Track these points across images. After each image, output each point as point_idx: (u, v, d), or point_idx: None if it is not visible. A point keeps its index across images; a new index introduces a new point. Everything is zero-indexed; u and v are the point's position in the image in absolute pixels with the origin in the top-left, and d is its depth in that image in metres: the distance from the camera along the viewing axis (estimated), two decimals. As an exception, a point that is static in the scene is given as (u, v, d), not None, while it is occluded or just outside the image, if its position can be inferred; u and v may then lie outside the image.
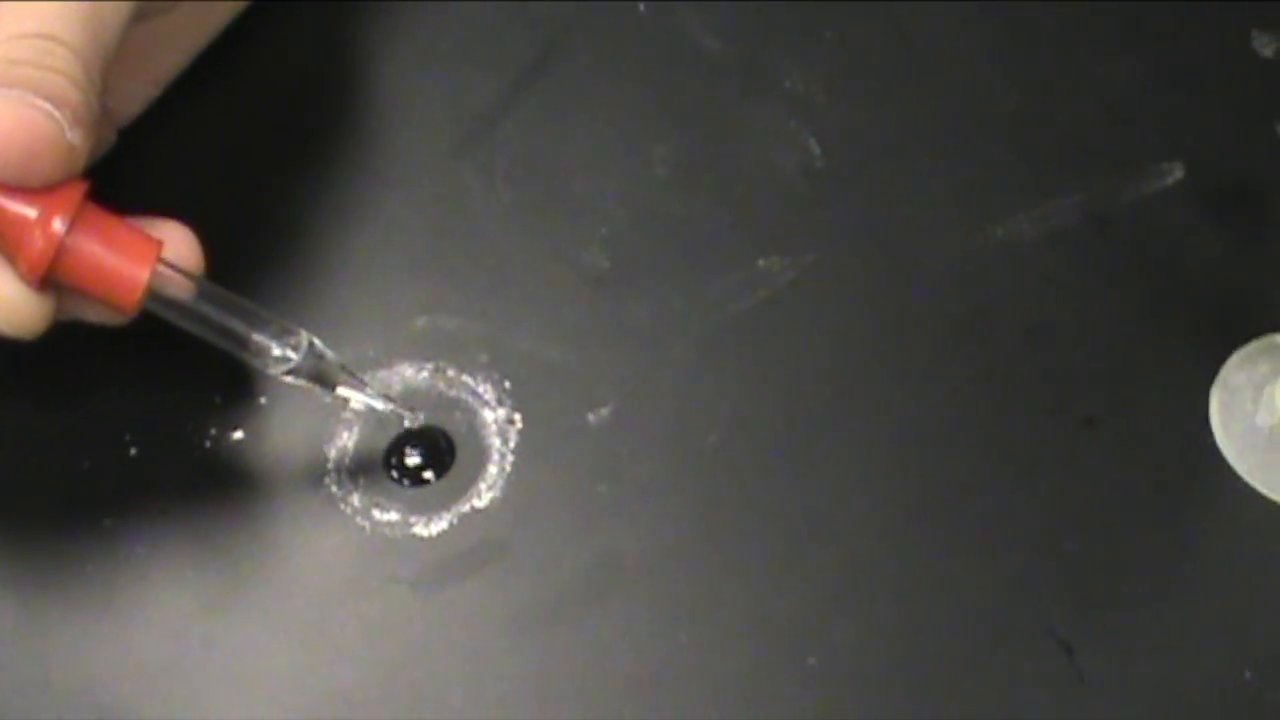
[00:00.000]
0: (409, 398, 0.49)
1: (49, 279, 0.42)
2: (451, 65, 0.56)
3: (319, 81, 0.55)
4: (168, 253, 0.44)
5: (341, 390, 0.46)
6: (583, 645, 0.46)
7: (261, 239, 0.49)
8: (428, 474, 0.48)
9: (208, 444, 0.48)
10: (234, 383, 0.49)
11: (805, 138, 0.54)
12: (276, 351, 0.44)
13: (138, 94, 0.51)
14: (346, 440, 0.49)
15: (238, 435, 0.49)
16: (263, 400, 0.49)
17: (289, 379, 0.45)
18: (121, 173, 0.49)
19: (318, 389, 0.45)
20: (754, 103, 0.55)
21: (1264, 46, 0.57)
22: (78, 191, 0.42)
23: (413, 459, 0.48)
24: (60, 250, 0.42)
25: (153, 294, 0.43)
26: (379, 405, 0.47)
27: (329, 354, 0.45)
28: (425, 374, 0.49)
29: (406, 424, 0.48)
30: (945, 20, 0.57)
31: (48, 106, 0.40)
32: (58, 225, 0.41)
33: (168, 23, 0.49)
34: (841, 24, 0.57)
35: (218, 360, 0.47)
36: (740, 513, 0.48)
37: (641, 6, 0.57)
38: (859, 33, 0.57)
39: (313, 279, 0.50)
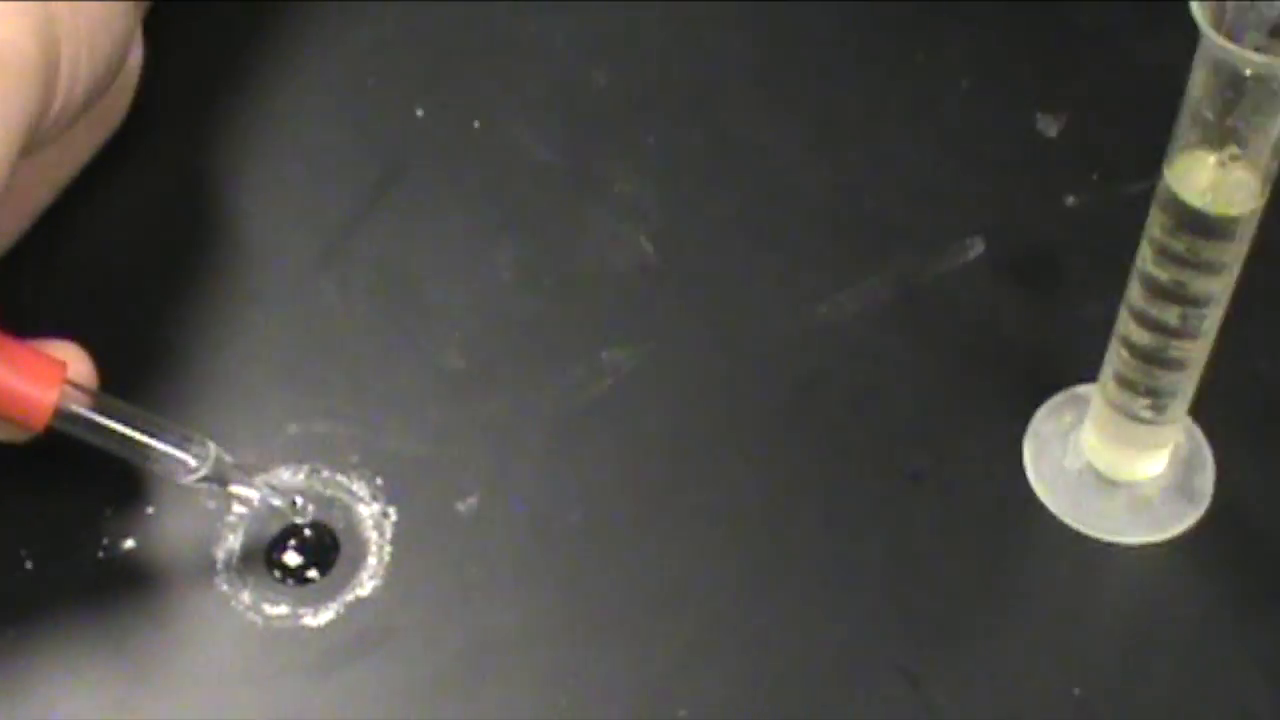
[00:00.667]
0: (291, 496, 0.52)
1: None
2: (303, 185, 0.59)
3: (181, 208, 0.58)
4: (70, 373, 0.46)
5: (236, 488, 0.49)
6: (465, 715, 0.48)
7: (135, 357, 0.51)
8: (311, 573, 0.51)
9: (100, 554, 0.51)
10: (122, 495, 0.52)
11: (637, 236, 0.58)
12: (180, 457, 0.47)
13: (10, 228, 0.53)
14: (233, 542, 0.51)
15: (129, 544, 0.51)
16: (150, 510, 0.52)
17: (190, 482, 0.48)
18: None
19: (215, 488, 0.48)
20: (588, 207, 0.59)
21: (1048, 127, 0.62)
22: None
23: (294, 560, 0.51)
24: None
25: (60, 413, 0.46)
26: (274, 501, 0.49)
27: (225, 457, 0.48)
28: (301, 476, 0.52)
29: (298, 519, 0.50)
30: (757, 119, 0.61)
31: None
32: None
33: (40, 159, 0.52)
34: (662, 129, 0.61)
35: (105, 475, 0.50)
36: (604, 583, 0.51)
37: (476, 123, 0.61)
38: (679, 136, 0.61)
39: (187, 392, 0.53)
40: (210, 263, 0.57)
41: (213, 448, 0.48)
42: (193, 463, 0.47)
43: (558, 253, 0.58)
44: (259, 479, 0.50)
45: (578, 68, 0.63)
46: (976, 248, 0.58)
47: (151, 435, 0.47)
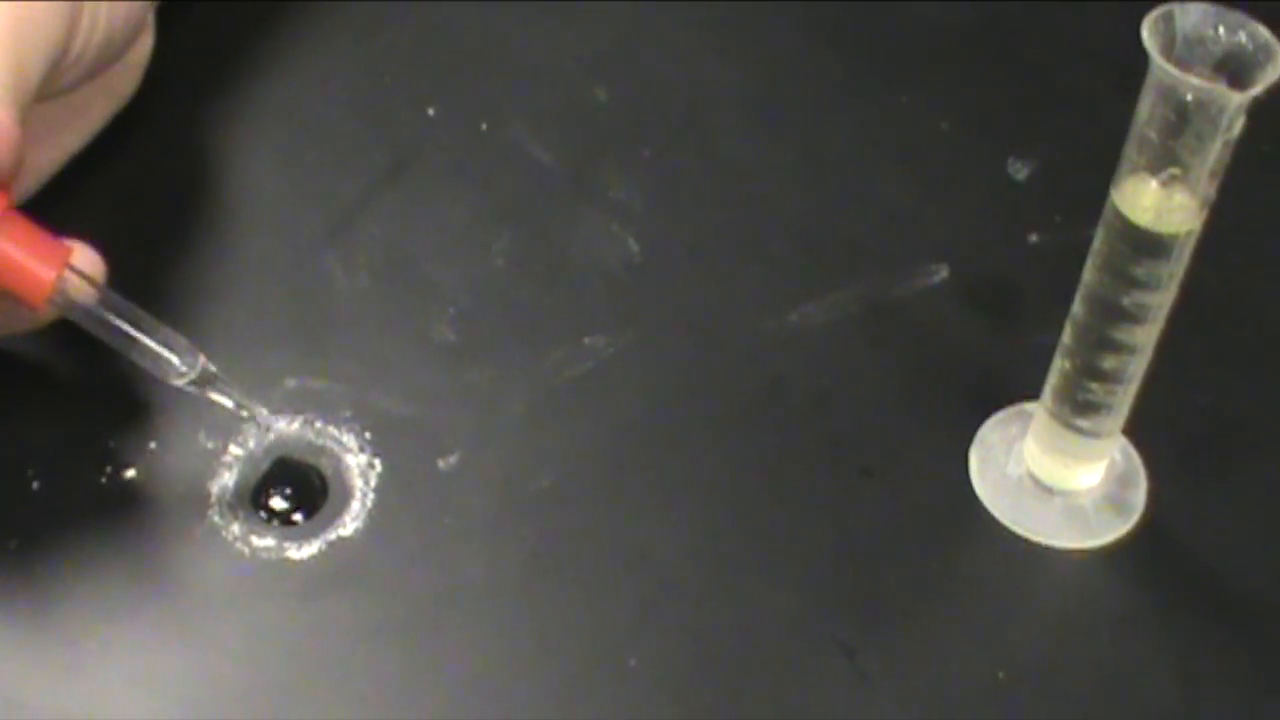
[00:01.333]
0: (282, 444, 0.55)
1: None
2: (317, 168, 0.63)
3: (201, 182, 0.62)
4: (76, 262, 0.50)
5: (213, 395, 0.52)
6: (433, 651, 0.52)
7: (155, 312, 0.55)
8: (296, 516, 0.54)
9: (103, 480, 0.54)
10: (126, 428, 0.55)
11: (625, 238, 0.62)
12: (168, 357, 0.51)
13: (22, 185, 0.57)
14: (227, 479, 0.55)
15: (130, 473, 0.55)
16: (152, 445, 0.55)
17: (177, 382, 0.51)
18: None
19: (197, 391, 0.52)
20: (581, 208, 0.63)
21: (1017, 171, 0.66)
22: (2, 199, 0.49)
23: (280, 504, 0.55)
24: None
25: (61, 294, 0.50)
26: (251, 411, 0.54)
27: (210, 367, 0.52)
28: (296, 425, 0.56)
29: (271, 427, 0.55)
30: (746, 142, 0.65)
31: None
32: None
33: (50, 117, 0.55)
34: (656, 144, 0.65)
35: (112, 408, 0.54)
36: (568, 543, 0.54)
37: (483, 124, 0.65)
38: (671, 151, 0.65)
39: (197, 344, 0.56)
40: (227, 233, 0.61)
41: (200, 357, 0.52)
42: (179, 364, 0.51)
43: (550, 245, 0.62)
44: (246, 399, 0.53)
45: (582, 83, 0.67)
46: (941, 273, 0.62)
47: (145, 331, 0.51)
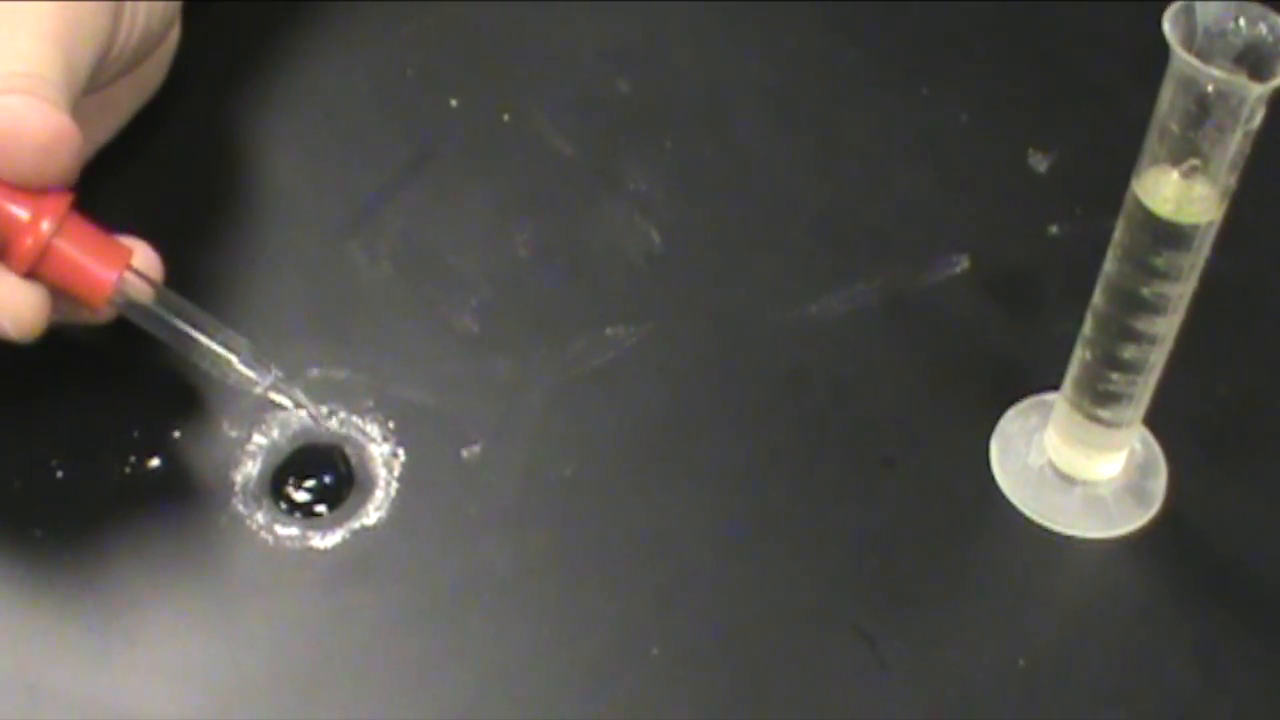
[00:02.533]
0: (306, 433, 0.56)
1: (34, 275, 0.49)
2: (339, 161, 0.64)
3: (227, 173, 0.63)
4: (136, 263, 0.51)
5: (272, 394, 0.53)
6: (455, 640, 0.52)
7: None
8: (319, 508, 0.55)
9: (128, 470, 0.55)
10: (151, 417, 0.56)
11: (647, 228, 0.62)
12: (220, 351, 0.51)
13: None
14: (251, 469, 0.55)
15: (155, 463, 0.55)
16: (177, 434, 0.56)
17: (233, 381, 0.52)
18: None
19: (255, 389, 0.52)
20: (603, 198, 0.63)
21: (1038, 164, 0.66)
22: (65, 201, 0.49)
23: (301, 496, 0.55)
24: (46, 250, 0.49)
25: (121, 295, 0.50)
26: (305, 409, 0.54)
27: (272, 368, 0.52)
28: (325, 410, 0.56)
29: (326, 424, 0.55)
30: (768, 133, 0.66)
31: (62, 111, 0.48)
32: (45, 227, 0.49)
33: (79, 113, 0.56)
34: (678, 136, 0.66)
35: (137, 397, 0.55)
36: (591, 531, 0.55)
37: (506, 116, 0.65)
38: (694, 143, 0.65)
39: None
40: (251, 223, 0.61)
41: (248, 349, 0.52)
42: (239, 364, 0.52)
43: (572, 236, 0.62)
44: (278, 415, 0.54)
45: (604, 75, 0.67)
46: (962, 264, 0.62)
47: (204, 332, 0.52)
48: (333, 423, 0.56)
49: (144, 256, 0.52)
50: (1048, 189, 0.65)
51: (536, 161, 0.64)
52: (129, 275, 0.51)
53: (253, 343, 0.52)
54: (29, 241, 0.49)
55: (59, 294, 0.51)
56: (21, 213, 0.49)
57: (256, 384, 0.53)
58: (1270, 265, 0.63)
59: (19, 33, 0.49)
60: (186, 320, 0.52)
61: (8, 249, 0.49)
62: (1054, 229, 0.63)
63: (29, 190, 0.49)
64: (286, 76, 0.66)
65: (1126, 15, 0.67)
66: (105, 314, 0.52)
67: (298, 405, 0.54)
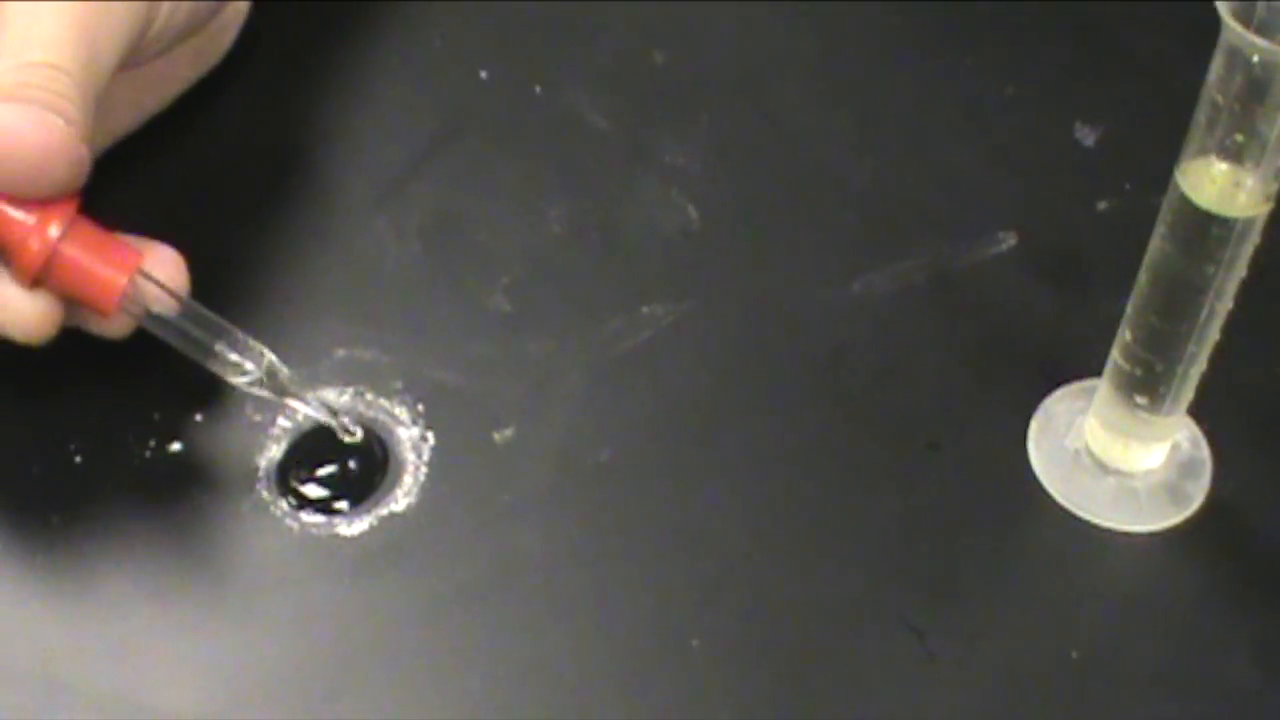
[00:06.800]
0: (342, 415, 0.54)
1: (41, 281, 0.47)
2: (367, 136, 0.62)
3: (253, 148, 0.61)
4: (156, 271, 0.49)
5: (292, 402, 0.51)
6: (487, 631, 0.50)
7: (198, 277, 0.53)
8: (340, 504, 0.53)
9: (148, 454, 0.53)
10: (172, 401, 0.54)
11: (684, 204, 0.61)
12: (238, 362, 0.50)
13: (95, 142, 0.56)
14: (275, 453, 0.53)
15: (176, 447, 0.53)
16: (199, 417, 0.54)
17: (248, 388, 0.50)
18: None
19: (274, 398, 0.51)
20: (638, 173, 0.61)
21: (1085, 137, 0.64)
22: (71, 205, 0.48)
23: (317, 493, 0.53)
24: (52, 255, 0.47)
25: (133, 302, 0.49)
26: (322, 417, 0.52)
27: (284, 371, 0.50)
28: (346, 397, 0.55)
29: (346, 438, 0.53)
30: (807, 106, 0.64)
31: (61, 120, 0.46)
32: (53, 232, 0.47)
33: (132, 81, 0.54)
34: (715, 109, 0.64)
35: (157, 381, 0.53)
36: (627, 519, 0.53)
37: (537, 88, 0.63)
38: (731, 115, 0.63)
39: (243, 312, 0.54)
40: (276, 198, 0.60)
41: (266, 360, 0.50)
42: (252, 368, 0.50)
43: (606, 212, 0.60)
44: (313, 395, 0.52)
45: (638, 46, 0.65)
46: (1009, 241, 0.60)
47: (217, 337, 0.50)
48: (357, 404, 0.54)
49: (164, 261, 0.50)
50: (1096, 163, 0.63)
51: (569, 135, 0.62)
52: (141, 280, 0.49)
53: (272, 353, 0.51)
54: (34, 248, 0.47)
55: (69, 301, 0.49)
56: (26, 219, 0.47)
57: (278, 396, 0.51)
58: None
59: (41, 20, 0.47)
60: (207, 331, 0.50)
61: (12, 257, 0.47)
62: (1103, 204, 0.62)
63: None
64: (311, 49, 0.64)
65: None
66: (120, 324, 0.50)
67: (319, 412, 0.52)
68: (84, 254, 0.48)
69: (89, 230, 0.48)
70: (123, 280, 0.48)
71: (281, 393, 0.51)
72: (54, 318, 0.48)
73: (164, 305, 0.49)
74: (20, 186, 0.46)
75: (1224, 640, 0.51)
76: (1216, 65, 0.44)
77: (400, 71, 0.64)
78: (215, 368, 0.50)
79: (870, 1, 0.67)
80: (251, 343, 0.50)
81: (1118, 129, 0.64)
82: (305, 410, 0.52)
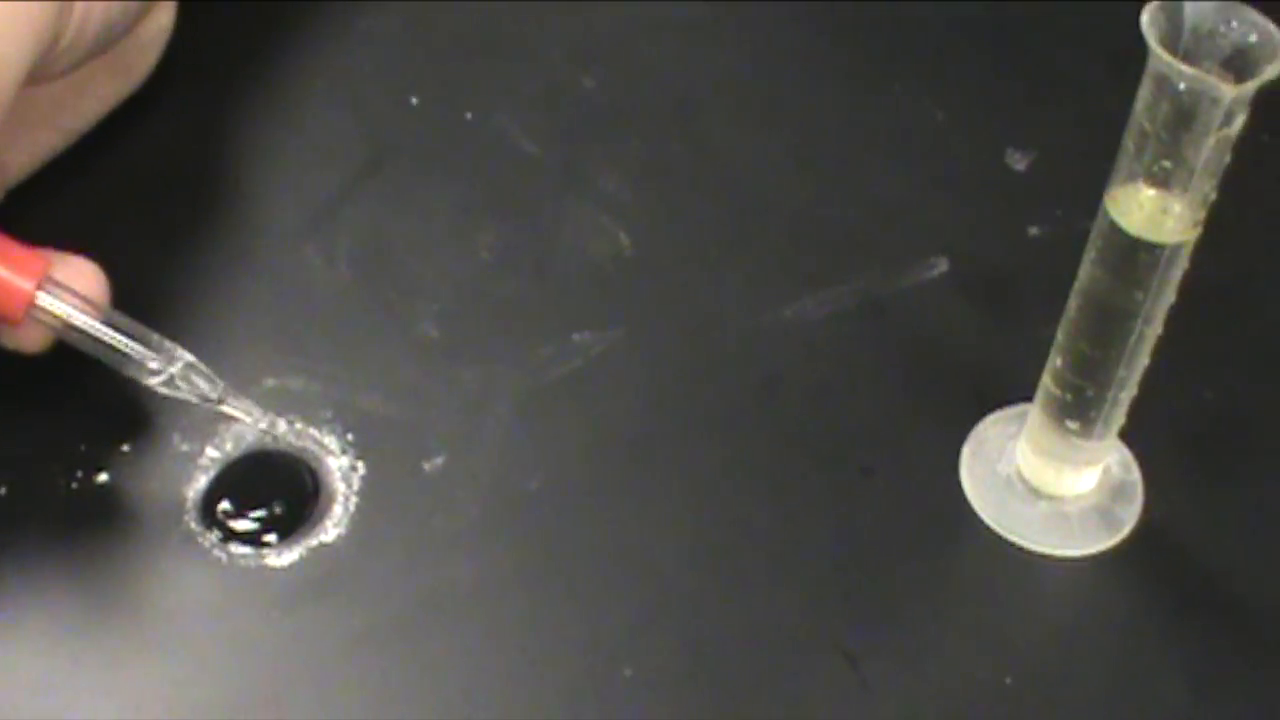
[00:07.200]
0: (259, 446, 0.53)
1: None
2: (295, 160, 0.61)
3: (181, 171, 0.61)
4: (73, 282, 0.48)
5: (221, 407, 0.51)
6: (421, 661, 0.50)
7: (122, 302, 0.52)
8: (269, 536, 0.52)
9: (74, 485, 0.52)
10: (98, 430, 0.53)
11: (615, 230, 0.60)
12: (156, 367, 0.49)
13: (17, 165, 0.55)
14: (204, 484, 0.53)
15: (102, 478, 0.53)
16: (125, 448, 0.53)
17: (167, 391, 0.50)
18: None
19: (200, 403, 0.50)
20: (570, 199, 0.61)
21: (1016, 162, 0.64)
22: None
23: (243, 525, 0.52)
24: None
25: (44, 312, 0.48)
26: (248, 418, 0.51)
27: (207, 372, 0.50)
28: (270, 421, 0.54)
29: (273, 434, 0.53)
30: (739, 131, 0.64)
31: None
32: None
33: (52, 99, 0.53)
34: (645, 133, 0.64)
35: (83, 410, 0.52)
36: (559, 547, 0.52)
37: (468, 114, 0.63)
38: (661, 141, 0.63)
39: (170, 338, 0.54)
40: (203, 223, 0.59)
41: (183, 362, 0.50)
42: (171, 371, 0.49)
43: (537, 238, 0.60)
44: (232, 428, 0.51)
45: (568, 71, 0.65)
46: (940, 266, 0.60)
47: (135, 340, 0.49)
48: (289, 436, 0.53)
49: (82, 272, 0.49)
50: (1027, 189, 0.63)
51: (500, 161, 0.62)
52: (55, 289, 0.48)
53: (195, 357, 0.50)
54: None
55: None
56: None
57: (203, 400, 0.50)
58: (1255, 272, 0.61)
59: None
60: (123, 334, 0.49)
61: None
62: (1034, 230, 0.62)
63: None
64: (238, 73, 0.64)
65: (1104, 13, 0.66)
66: (34, 336, 0.49)
67: (256, 419, 0.51)
68: None
69: None
70: (29, 286, 0.48)
71: (206, 398, 0.50)
72: None
73: (78, 311, 0.49)
74: None
75: (1157, 664, 0.51)
76: (1143, 92, 0.44)
77: (330, 96, 0.63)
78: (134, 374, 0.50)
79: (800, 29, 0.67)
80: (170, 346, 0.50)
81: (1049, 154, 0.64)
82: (232, 413, 0.51)
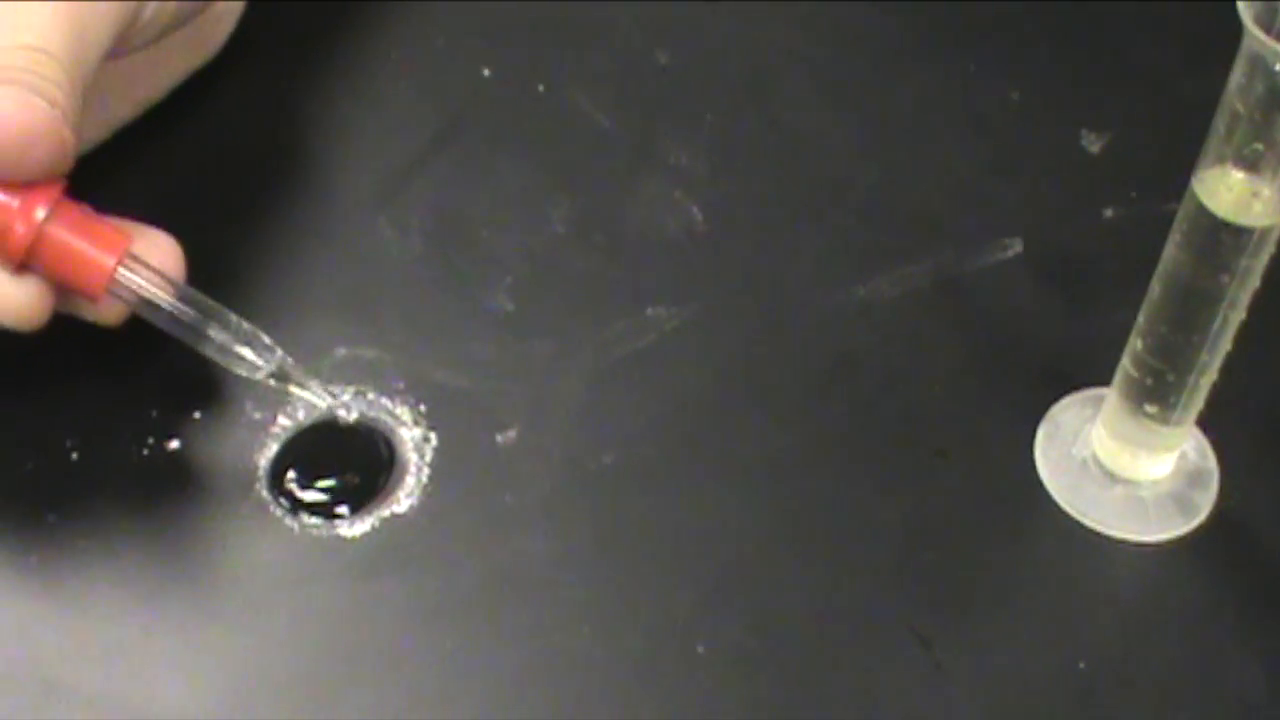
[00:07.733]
0: (333, 416, 0.53)
1: (27, 265, 0.46)
2: (368, 132, 0.61)
3: (252, 144, 0.60)
4: (149, 256, 0.48)
5: (291, 388, 0.50)
6: (489, 633, 0.50)
7: (198, 274, 0.52)
8: (341, 508, 0.52)
9: (145, 452, 0.52)
10: (170, 398, 0.53)
11: (688, 205, 0.60)
12: (234, 348, 0.49)
13: (90, 135, 0.55)
14: (275, 452, 0.53)
15: (174, 445, 0.53)
16: (198, 415, 0.53)
17: (247, 374, 0.49)
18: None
19: (273, 384, 0.50)
20: (642, 174, 0.61)
21: (1091, 144, 0.63)
22: (57, 188, 0.47)
23: (311, 496, 0.52)
24: (38, 237, 0.46)
25: (123, 287, 0.48)
26: (321, 400, 0.51)
27: (280, 355, 0.50)
28: (347, 396, 0.54)
29: (341, 413, 0.52)
30: (812, 108, 0.63)
31: (45, 103, 0.45)
32: (39, 214, 0.46)
33: (125, 71, 0.53)
34: (719, 110, 0.63)
35: (155, 377, 0.52)
36: (632, 522, 0.52)
37: (541, 87, 0.63)
38: (735, 118, 0.63)
39: (246, 312, 0.52)
40: (275, 195, 0.59)
41: (278, 352, 0.49)
42: (251, 355, 0.49)
43: (610, 213, 0.60)
44: (312, 381, 0.51)
45: (642, 46, 0.65)
46: (1015, 248, 0.60)
47: (212, 321, 0.49)
48: (353, 413, 0.53)
49: (159, 246, 0.49)
50: (1101, 170, 0.63)
51: (573, 135, 0.62)
52: (133, 264, 0.48)
53: (264, 334, 0.50)
54: (19, 231, 0.46)
55: (60, 287, 0.48)
56: (10, 201, 0.46)
57: (272, 378, 0.50)
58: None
59: (30, 5, 0.47)
60: (202, 315, 0.49)
61: None
62: (1109, 212, 0.61)
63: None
64: (311, 45, 0.64)
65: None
66: (112, 310, 0.49)
67: (321, 398, 0.51)
68: (71, 236, 0.47)
69: (75, 213, 0.48)
70: (110, 262, 0.47)
71: (281, 379, 0.50)
72: (43, 303, 0.47)
73: (157, 290, 0.48)
74: (3, 169, 0.46)
75: (1231, 650, 0.51)
76: (1237, 73, 0.43)
77: (402, 69, 0.63)
78: (212, 354, 0.49)
79: (876, 5, 0.67)
80: (247, 327, 0.50)
81: (1123, 137, 0.64)
82: (303, 395, 0.51)
